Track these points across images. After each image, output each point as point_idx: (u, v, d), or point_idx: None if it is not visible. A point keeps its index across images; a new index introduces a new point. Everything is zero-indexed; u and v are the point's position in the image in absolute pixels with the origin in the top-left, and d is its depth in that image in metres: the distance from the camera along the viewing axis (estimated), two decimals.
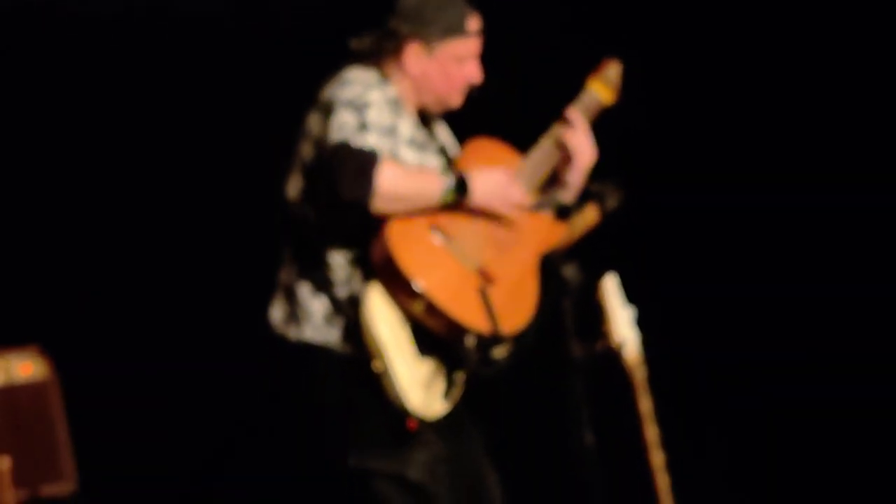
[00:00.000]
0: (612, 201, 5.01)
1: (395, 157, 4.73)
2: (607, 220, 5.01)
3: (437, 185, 4.68)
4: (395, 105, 4.84)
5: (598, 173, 4.97)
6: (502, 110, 6.62)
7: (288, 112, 5.03)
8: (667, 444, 4.94)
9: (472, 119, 5.07)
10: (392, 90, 4.84)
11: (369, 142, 4.61)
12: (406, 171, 4.71)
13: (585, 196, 4.98)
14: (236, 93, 7.50)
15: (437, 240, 4.70)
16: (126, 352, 7.25)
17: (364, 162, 4.55)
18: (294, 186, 4.84)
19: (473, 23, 4.89)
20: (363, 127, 4.64)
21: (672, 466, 4.95)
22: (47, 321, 7.01)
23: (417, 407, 4.65)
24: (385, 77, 4.86)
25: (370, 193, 4.53)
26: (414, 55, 4.85)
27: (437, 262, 4.67)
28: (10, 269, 7.11)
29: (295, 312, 4.81)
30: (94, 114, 7.29)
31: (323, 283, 4.77)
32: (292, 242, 4.87)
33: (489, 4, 5.02)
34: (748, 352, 7.31)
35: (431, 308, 4.60)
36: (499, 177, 4.76)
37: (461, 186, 4.68)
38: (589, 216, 5.01)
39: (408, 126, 4.87)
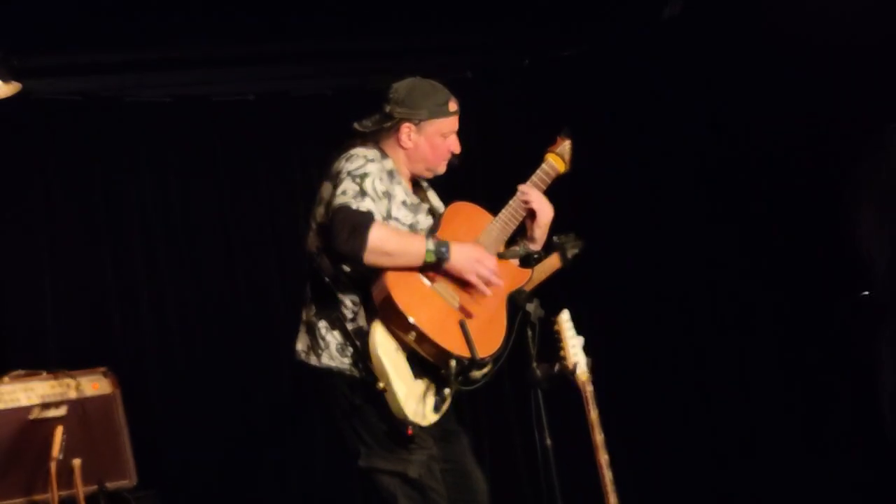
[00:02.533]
0: (573, 250, 5.02)
1: (389, 218, 4.72)
2: (568, 266, 5.04)
3: (420, 248, 4.63)
4: (391, 175, 4.82)
5: (559, 228, 4.99)
6: (481, 177, 6.67)
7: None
8: (610, 446, 4.91)
9: (458, 183, 5.08)
10: (389, 163, 4.83)
11: (365, 205, 4.60)
12: (395, 232, 4.70)
13: (551, 245, 5.00)
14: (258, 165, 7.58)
15: (425, 283, 4.67)
16: (177, 373, 7.25)
17: (360, 222, 4.54)
18: (312, 242, 4.82)
19: (453, 105, 4.90)
20: (362, 193, 4.62)
21: (614, 464, 4.92)
22: (113, 348, 7.04)
23: (413, 417, 4.63)
24: (383, 152, 4.84)
25: (363, 248, 4.51)
26: (406, 133, 4.85)
27: (426, 301, 4.64)
28: (86, 311, 7.15)
29: (315, 343, 4.78)
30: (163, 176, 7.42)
31: (336, 320, 4.75)
32: (312, 288, 4.84)
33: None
34: (674, 371, 7.36)
35: (422, 337, 4.57)
36: (475, 253, 4.73)
37: (442, 254, 4.65)
38: (553, 262, 5.03)
39: (401, 191, 4.84)
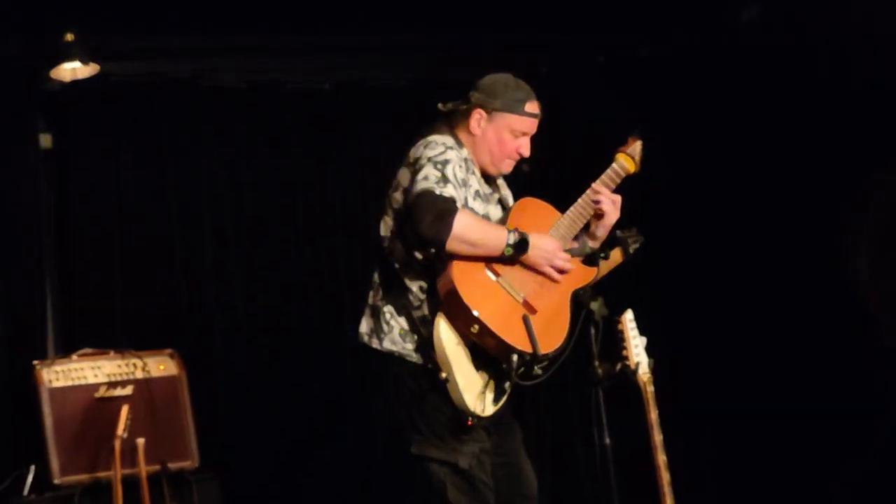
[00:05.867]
0: (634, 245, 5.01)
1: (465, 207, 4.70)
2: (630, 260, 5.01)
3: (501, 240, 4.63)
4: (467, 163, 4.81)
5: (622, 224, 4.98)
6: (551, 173, 6.69)
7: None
8: (668, 447, 4.92)
9: (527, 179, 5.06)
10: (464, 151, 4.82)
11: (448, 191, 4.59)
12: (479, 221, 4.69)
13: (613, 240, 4.97)
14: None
15: (490, 276, 4.67)
16: (242, 357, 7.33)
17: (445, 208, 4.53)
18: (385, 227, 4.83)
19: (531, 107, 4.87)
20: (444, 179, 4.61)
21: (672, 465, 4.92)
22: (180, 331, 7.13)
23: (473, 408, 4.63)
24: (458, 139, 4.84)
25: (447, 235, 4.50)
26: (477, 119, 4.85)
27: (490, 295, 4.63)
28: (154, 293, 7.24)
29: (379, 327, 4.79)
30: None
31: (403, 307, 4.76)
32: (381, 272, 4.85)
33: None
34: (735, 372, 7.34)
35: (485, 331, 4.56)
36: (552, 245, 4.74)
37: (521, 245, 4.65)
38: (615, 256, 5.00)
39: (475, 181, 4.85)
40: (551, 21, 7.39)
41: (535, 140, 4.96)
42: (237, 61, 7.49)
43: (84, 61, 6.78)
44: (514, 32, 7.49)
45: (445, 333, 4.62)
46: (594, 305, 4.71)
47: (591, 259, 4.85)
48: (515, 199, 5.04)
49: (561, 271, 4.76)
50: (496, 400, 4.73)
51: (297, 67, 7.64)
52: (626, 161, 4.95)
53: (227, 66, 7.48)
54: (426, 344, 4.69)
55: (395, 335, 4.77)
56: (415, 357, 4.74)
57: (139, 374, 6.43)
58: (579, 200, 4.90)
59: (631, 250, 4.98)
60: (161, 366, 6.50)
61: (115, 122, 7.25)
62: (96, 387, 6.34)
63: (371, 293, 4.89)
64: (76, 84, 6.92)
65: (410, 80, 7.69)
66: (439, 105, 4.92)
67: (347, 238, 7.56)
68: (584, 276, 4.84)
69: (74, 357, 6.40)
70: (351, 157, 7.70)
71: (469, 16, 7.15)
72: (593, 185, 4.90)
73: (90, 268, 7.12)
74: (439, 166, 4.66)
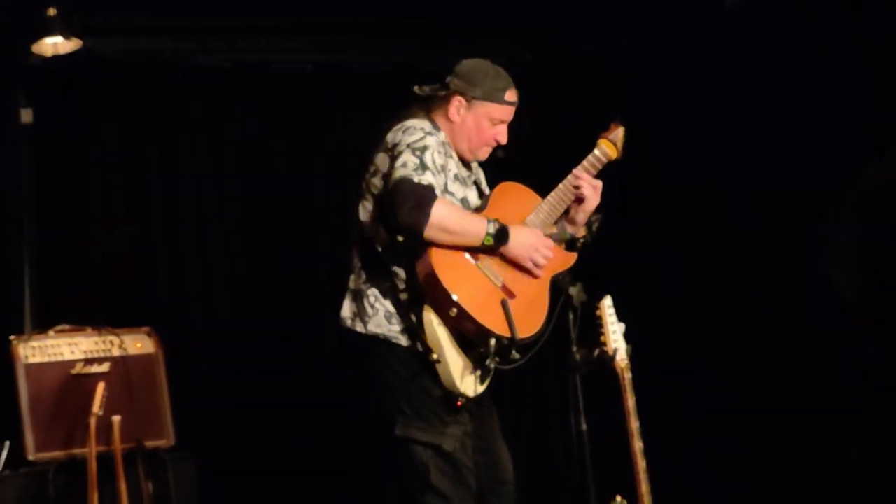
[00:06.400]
0: (596, 223, 4.97)
1: (445, 192, 4.71)
2: (590, 240, 4.99)
3: (481, 230, 4.64)
4: (445, 147, 4.82)
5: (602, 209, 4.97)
6: (533, 159, 6.67)
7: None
8: (645, 433, 4.93)
9: (509, 164, 5.07)
10: (442, 135, 4.83)
11: (427, 179, 4.59)
12: (457, 210, 4.70)
13: None
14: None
15: (469, 260, 4.67)
16: (219, 337, 7.33)
17: (423, 196, 4.54)
18: (364, 211, 4.82)
19: (510, 96, 4.88)
20: (423, 166, 4.61)
21: (648, 452, 4.94)
22: (157, 309, 7.12)
23: (463, 389, 4.66)
24: (435, 124, 4.84)
25: (425, 223, 4.52)
26: (456, 106, 4.85)
27: (469, 279, 4.64)
28: (133, 270, 7.23)
29: (363, 311, 4.78)
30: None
31: (388, 289, 4.75)
32: (362, 256, 4.85)
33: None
34: (713, 361, 7.32)
35: (463, 314, 4.57)
36: (534, 239, 4.75)
37: (501, 235, 4.66)
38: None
39: (454, 165, 4.85)
40: (535, 7, 7.39)
41: (518, 125, 4.97)
42: (220, 40, 7.46)
43: (66, 36, 6.75)
44: (498, 18, 7.48)
45: (435, 315, 4.64)
46: (573, 291, 4.72)
47: (570, 244, 4.87)
48: (494, 183, 5.04)
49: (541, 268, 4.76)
50: (482, 379, 4.74)
51: (280, 48, 7.62)
52: (609, 147, 4.96)
53: (209, 45, 7.45)
54: (413, 326, 4.69)
55: (381, 318, 4.76)
56: (402, 339, 4.73)
57: (116, 352, 6.40)
58: (560, 185, 4.90)
59: (594, 229, 4.98)
60: (138, 343, 6.48)
61: (96, 98, 7.23)
62: (73, 363, 6.31)
63: (352, 277, 4.89)
64: (58, 59, 6.89)
65: (395, 65, 7.67)
66: (415, 88, 4.92)
67: (329, 219, 7.52)
68: (564, 261, 4.85)
69: (51, 333, 6.37)
70: (334, 138, 7.68)
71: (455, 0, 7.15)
72: (574, 170, 4.92)
73: (69, 244, 7.12)
74: (418, 153, 4.66)
